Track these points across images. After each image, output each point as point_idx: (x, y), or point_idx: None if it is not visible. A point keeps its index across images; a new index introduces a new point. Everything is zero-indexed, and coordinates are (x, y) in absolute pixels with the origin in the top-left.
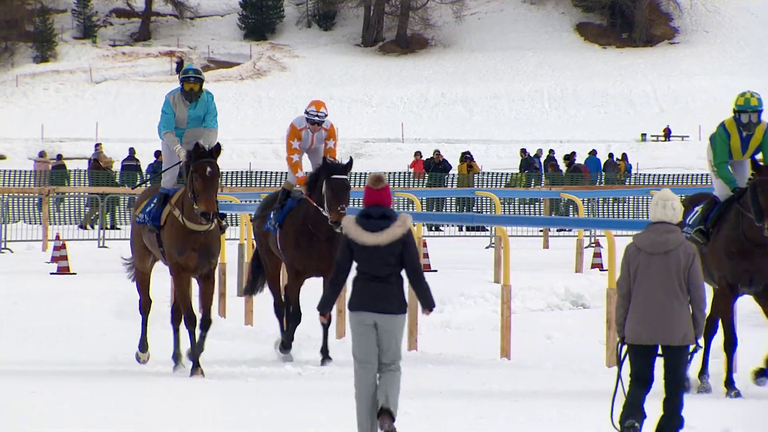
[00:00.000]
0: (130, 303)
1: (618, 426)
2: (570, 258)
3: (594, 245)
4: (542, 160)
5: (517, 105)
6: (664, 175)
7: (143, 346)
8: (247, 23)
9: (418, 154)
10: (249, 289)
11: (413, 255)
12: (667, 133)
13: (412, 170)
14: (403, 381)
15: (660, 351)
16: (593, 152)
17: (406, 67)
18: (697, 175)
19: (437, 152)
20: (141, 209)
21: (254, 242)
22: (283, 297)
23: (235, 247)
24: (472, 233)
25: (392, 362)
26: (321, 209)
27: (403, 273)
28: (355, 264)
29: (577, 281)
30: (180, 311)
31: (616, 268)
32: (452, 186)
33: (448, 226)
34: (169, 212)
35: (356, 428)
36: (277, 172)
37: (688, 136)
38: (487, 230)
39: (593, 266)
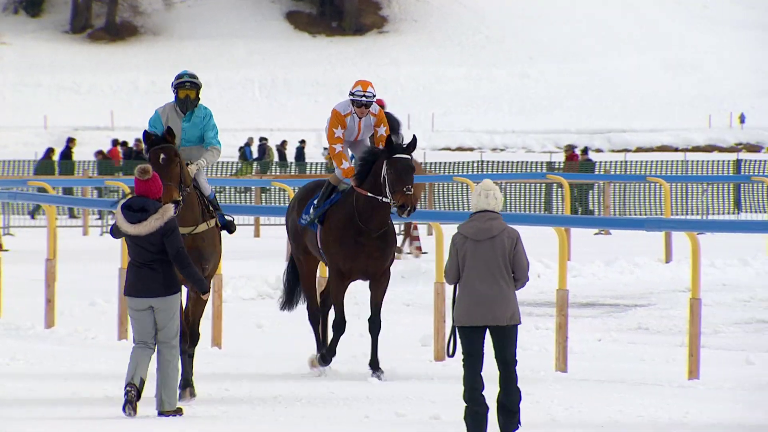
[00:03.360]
0: None
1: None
2: (281, 247)
3: None
4: (253, 149)
5: (227, 93)
6: None
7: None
8: None
9: (116, 142)
10: (286, 303)
11: (174, 244)
12: None
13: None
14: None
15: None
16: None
17: (116, 54)
18: None
19: (138, 140)
20: None
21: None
22: (319, 302)
23: None
24: None
25: (170, 340)
26: (378, 198)
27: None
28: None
29: None
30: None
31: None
32: None
33: None
34: None
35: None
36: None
37: None
38: None
39: None
